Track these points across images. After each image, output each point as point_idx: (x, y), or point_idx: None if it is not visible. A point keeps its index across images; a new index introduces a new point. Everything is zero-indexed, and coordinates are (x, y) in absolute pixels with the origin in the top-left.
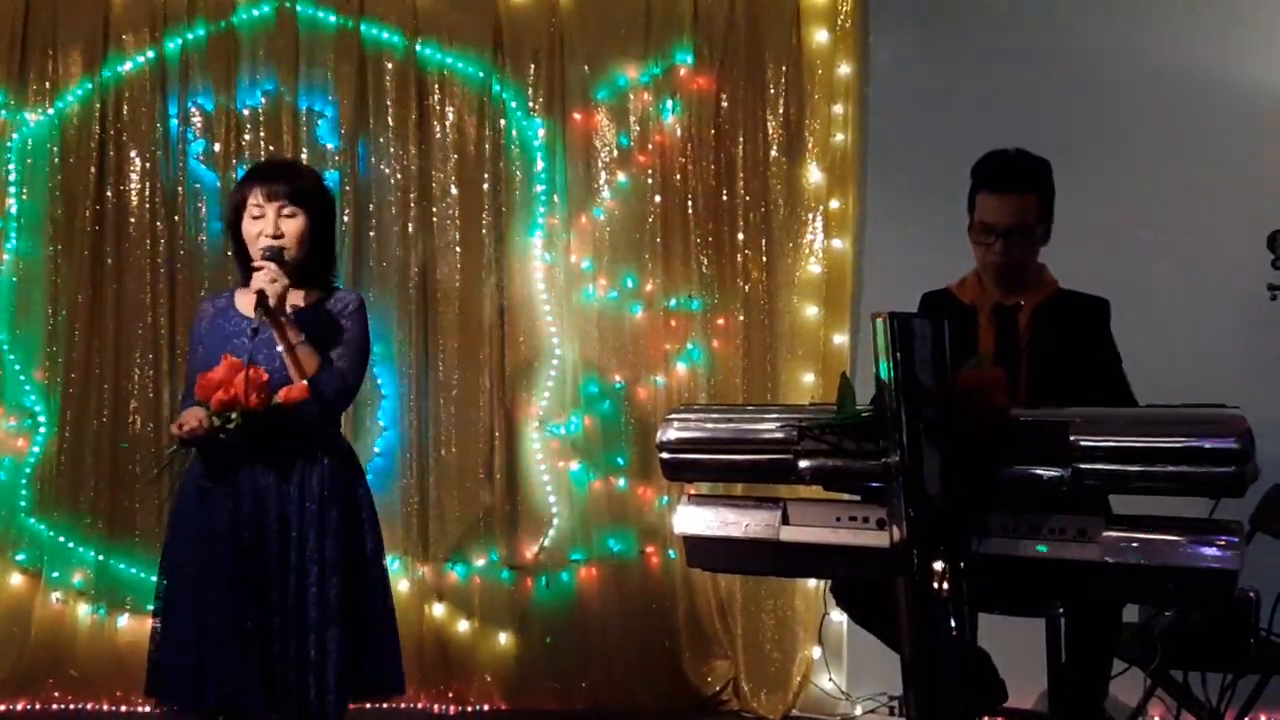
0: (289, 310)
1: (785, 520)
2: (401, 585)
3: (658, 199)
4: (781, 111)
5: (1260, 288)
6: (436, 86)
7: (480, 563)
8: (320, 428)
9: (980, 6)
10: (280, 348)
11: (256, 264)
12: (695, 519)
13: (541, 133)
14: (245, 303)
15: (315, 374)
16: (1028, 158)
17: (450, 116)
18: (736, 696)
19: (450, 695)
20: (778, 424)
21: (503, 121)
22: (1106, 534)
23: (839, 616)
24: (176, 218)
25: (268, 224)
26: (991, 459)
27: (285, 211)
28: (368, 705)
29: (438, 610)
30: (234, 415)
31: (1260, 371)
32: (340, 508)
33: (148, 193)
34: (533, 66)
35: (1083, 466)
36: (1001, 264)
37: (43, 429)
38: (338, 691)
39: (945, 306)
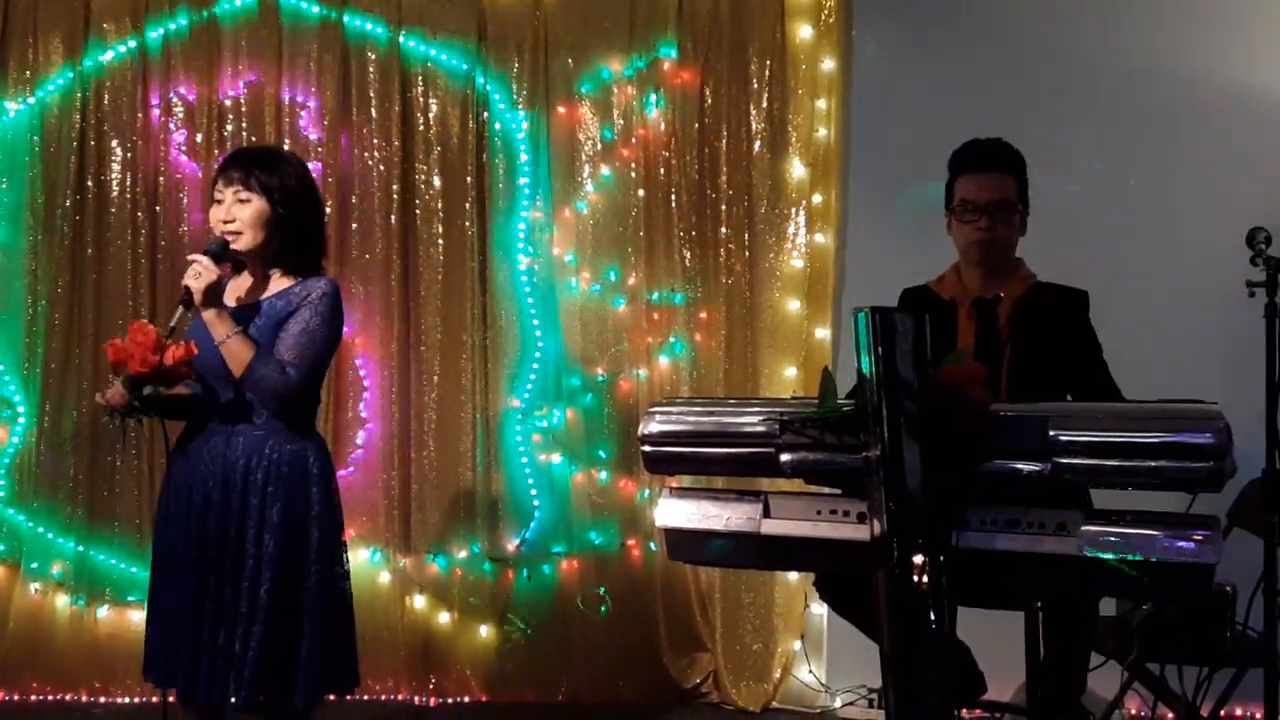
0: (231, 296)
1: (766, 513)
2: (383, 577)
3: (641, 192)
4: (765, 106)
5: (1239, 284)
6: (420, 79)
7: (462, 555)
8: (279, 413)
9: (963, 2)
10: (216, 343)
11: (190, 256)
12: (676, 512)
13: (525, 126)
14: (229, 289)
15: (249, 368)
16: (1004, 143)
17: (434, 109)
18: (717, 689)
19: (430, 687)
20: (759, 417)
21: (486, 114)
22: (1085, 528)
23: (819, 609)
24: (158, 208)
25: (223, 210)
26: (971, 453)
27: (240, 196)
28: (333, 698)
29: (419, 602)
30: (123, 379)
31: (1238, 368)
32: (284, 504)
33: (129, 183)
34: (516, 59)
35: (1061, 461)
36: (986, 240)
37: (22, 419)
38: (251, 686)
39: (925, 302)
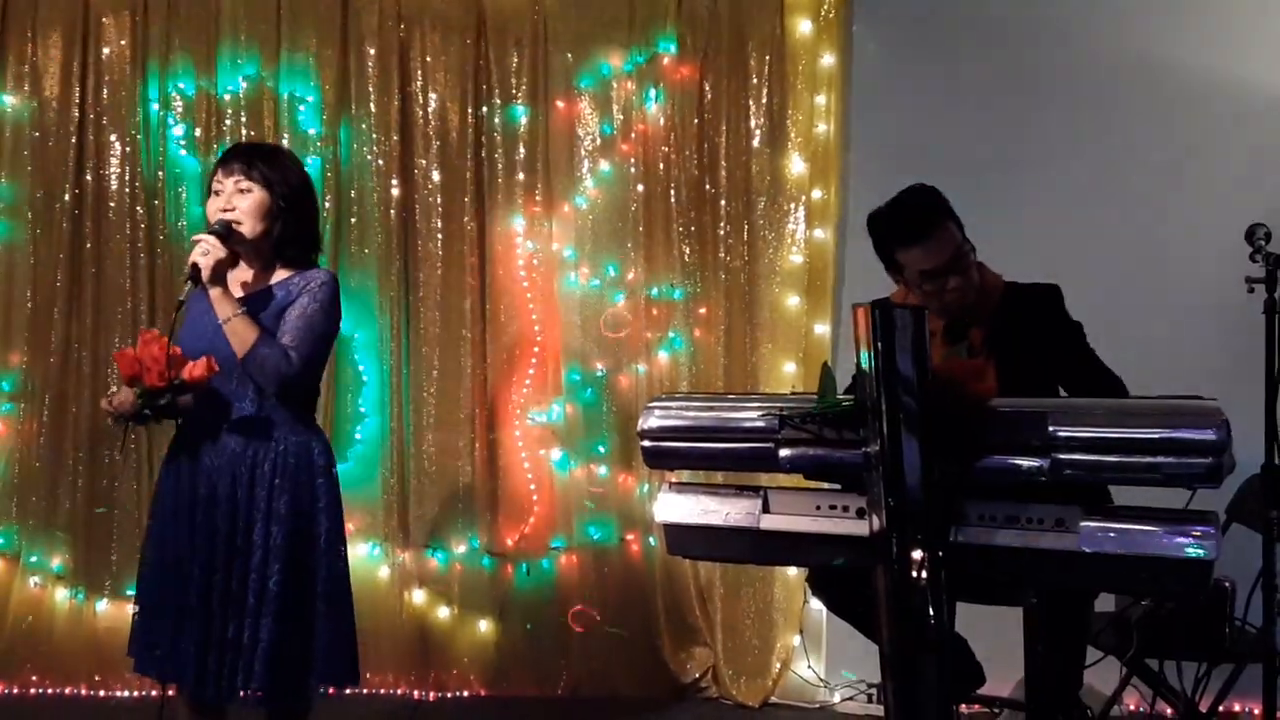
0: (232, 286)
1: (765, 509)
2: (382, 571)
3: (640, 188)
4: (764, 101)
5: (1239, 280)
6: (419, 73)
7: (461, 549)
8: (280, 400)
9: None
10: (220, 322)
11: (196, 236)
12: (676, 507)
13: (524, 120)
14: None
15: (252, 348)
16: (925, 195)
17: (433, 103)
18: (716, 684)
19: (430, 681)
20: (759, 413)
21: (485, 109)
22: (1084, 524)
23: (818, 604)
24: (156, 202)
25: (222, 199)
26: (971, 448)
27: (241, 186)
28: (329, 691)
29: (418, 597)
30: (138, 391)
31: (1237, 364)
32: (292, 495)
33: (128, 177)
34: (516, 54)
35: (1061, 456)
36: (958, 298)
37: (22, 412)
38: (262, 680)
39: None
